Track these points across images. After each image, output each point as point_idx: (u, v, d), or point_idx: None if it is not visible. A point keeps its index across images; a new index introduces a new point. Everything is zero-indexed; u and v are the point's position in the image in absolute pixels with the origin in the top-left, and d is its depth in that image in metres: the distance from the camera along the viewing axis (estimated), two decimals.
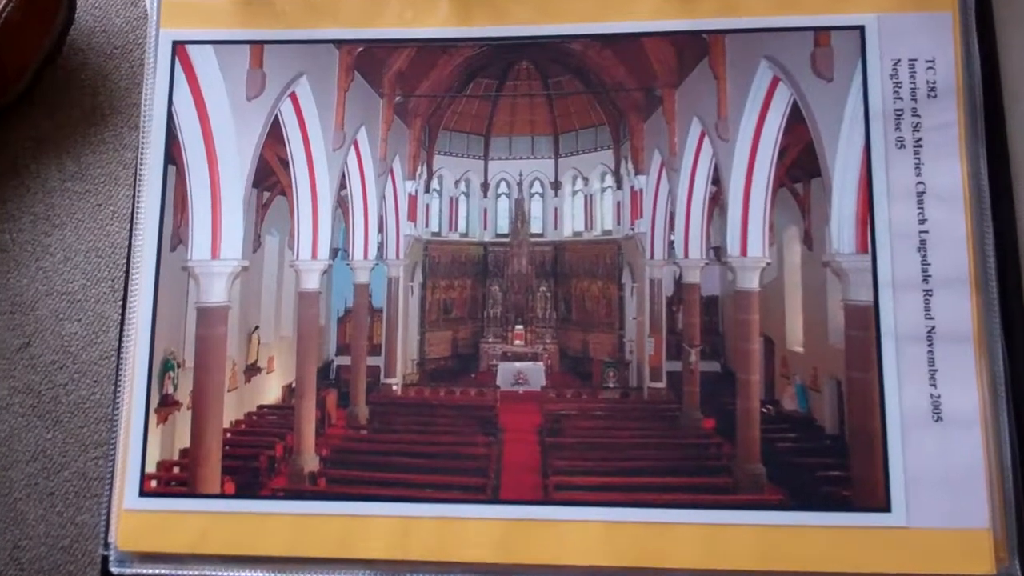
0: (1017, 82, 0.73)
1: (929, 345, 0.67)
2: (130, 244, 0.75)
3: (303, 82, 0.77)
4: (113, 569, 0.69)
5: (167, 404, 0.73)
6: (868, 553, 0.65)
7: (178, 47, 0.76)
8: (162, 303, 0.73)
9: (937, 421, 0.66)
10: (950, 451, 0.65)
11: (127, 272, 0.74)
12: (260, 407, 0.77)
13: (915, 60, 0.71)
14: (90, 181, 0.89)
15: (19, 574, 0.80)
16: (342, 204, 0.79)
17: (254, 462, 0.73)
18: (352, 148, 0.79)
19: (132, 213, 0.75)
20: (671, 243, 0.77)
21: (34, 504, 0.82)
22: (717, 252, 0.75)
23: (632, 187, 0.79)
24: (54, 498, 0.81)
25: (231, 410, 0.74)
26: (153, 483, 0.71)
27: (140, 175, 0.75)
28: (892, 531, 0.65)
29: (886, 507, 0.65)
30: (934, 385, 0.67)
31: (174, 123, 0.75)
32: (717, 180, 0.76)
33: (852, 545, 0.65)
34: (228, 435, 0.74)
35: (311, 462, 0.74)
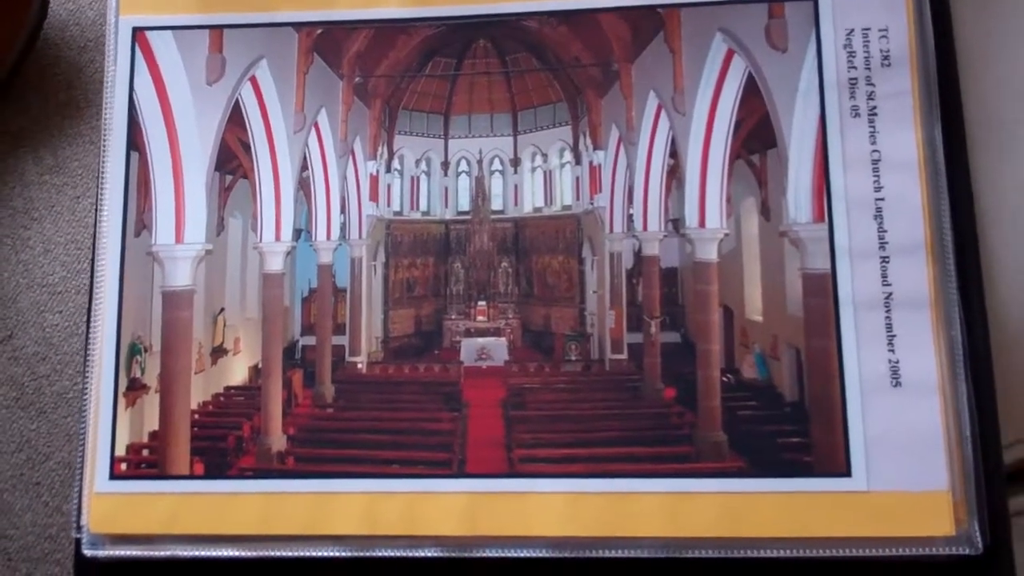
0: (970, 49, 0.74)
1: (887, 312, 0.68)
2: (95, 232, 0.75)
3: (263, 65, 0.77)
4: (86, 552, 0.70)
5: (135, 388, 0.73)
6: (830, 517, 0.66)
7: (138, 33, 0.77)
8: (128, 289, 0.74)
9: (896, 386, 0.67)
10: (909, 415, 0.66)
11: (92, 259, 0.75)
12: (227, 388, 0.78)
13: (868, 29, 0.71)
14: (68, 174, 0.89)
15: (7, 563, 0.81)
16: (304, 186, 0.79)
17: (222, 443, 0.74)
18: (313, 130, 0.79)
19: (96, 201, 0.75)
20: (630, 216, 0.77)
21: (20, 494, 0.83)
22: (675, 224, 0.75)
23: (591, 162, 0.80)
24: (40, 488, 0.82)
25: (199, 392, 0.75)
26: (123, 466, 0.72)
27: (103, 162, 0.75)
28: (853, 495, 0.66)
29: (847, 472, 0.66)
30: (892, 351, 0.67)
31: (136, 110, 0.76)
32: (674, 153, 0.76)
33: (814, 510, 0.66)
34: (196, 417, 0.74)
35: (279, 441, 0.75)
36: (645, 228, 0.77)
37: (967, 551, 0.65)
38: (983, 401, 0.67)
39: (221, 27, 0.77)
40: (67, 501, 0.82)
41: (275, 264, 0.78)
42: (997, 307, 0.71)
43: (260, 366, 0.77)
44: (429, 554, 0.68)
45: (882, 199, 0.69)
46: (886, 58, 0.71)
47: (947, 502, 0.65)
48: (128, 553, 0.70)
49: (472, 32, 0.77)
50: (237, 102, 0.77)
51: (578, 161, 0.81)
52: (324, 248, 0.80)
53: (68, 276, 0.87)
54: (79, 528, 0.70)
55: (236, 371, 0.77)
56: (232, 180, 0.78)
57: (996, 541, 0.65)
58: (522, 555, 0.67)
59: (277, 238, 0.78)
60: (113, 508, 0.70)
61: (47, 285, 0.87)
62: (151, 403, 0.73)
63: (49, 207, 0.89)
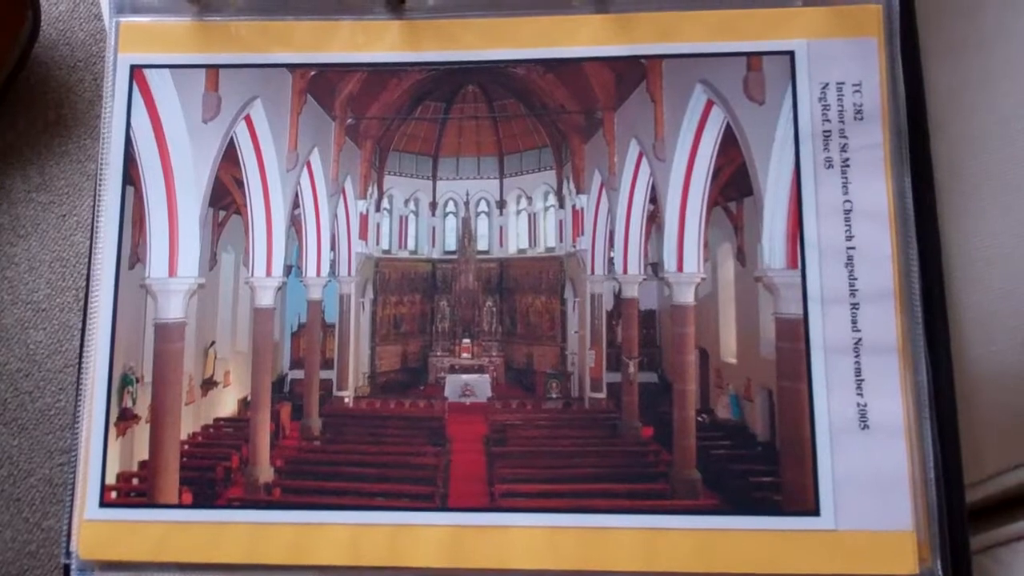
0: (941, 104, 0.76)
1: (856, 356, 0.70)
2: (89, 264, 0.76)
3: (257, 105, 0.79)
4: None
5: (126, 418, 0.74)
6: (799, 555, 0.68)
7: (136, 71, 0.78)
8: (121, 321, 0.75)
9: (864, 429, 0.69)
10: (876, 457, 0.68)
11: (86, 291, 0.76)
12: (216, 420, 0.78)
13: (843, 84, 0.74)
14: (54, 192, 0.90)
15: None
16: (295, 223, 0.80)
17: (211, 473, 0.74)
18: (305, 169, 0.81)
19: (91, 233, 0.76)
20: (611, 259, 0.79)
21: (0, 510, 0.83)
22: (654, 268, 0.77)
23: (574, 206, 0.81)
24: (20, 504, 0.83)
25: (188, 423, 0.76)
26: (113, 494, 0.73)
27: (99, 196, 0.76)
28: (821, 534, 0.68)
29: (815, 511, 0.68)
30: (861, 394, 0.70)
31: (132, 145, 0.77)
32: (654, 199, 0.78)
33: (784, 547, 0.68)
34: (185, 447, 0.75)
35: (266, 473, 0.76)
36: (625, 271, 0.79)
37: None
38: (947, 444, 0.69)
39: (217, 67, 0.78)
40: (48, 518, 0.82)
41: (266, 299, 0.79)
42: (962, 353, 0.73)
43: (249, 399, 0.78)
44: None
45: (853, 247, 0.71)
46: (859, 112, 0.73)
47: (911, 541, 0.67)
48: None
49: (461, 77, 0.79)
50: (232, 140, 0.78)
51: (561, 205, 0.81)
52: (314, 284, 0.81)
53: (53, 294, 0.88)
54: (68, 554, 0.71)
55: (226, 403, 0.78)
56: (225, 216, 0.79)
57: None
58: None
59: (268, 273, 0.79)
60: (102, 535, 0.72)
61: (32, 302, 0.88)
62: (142, 433, 0.74)
63: (35, 225, 0.90)
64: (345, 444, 0.77)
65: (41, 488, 0.83)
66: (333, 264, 0.81)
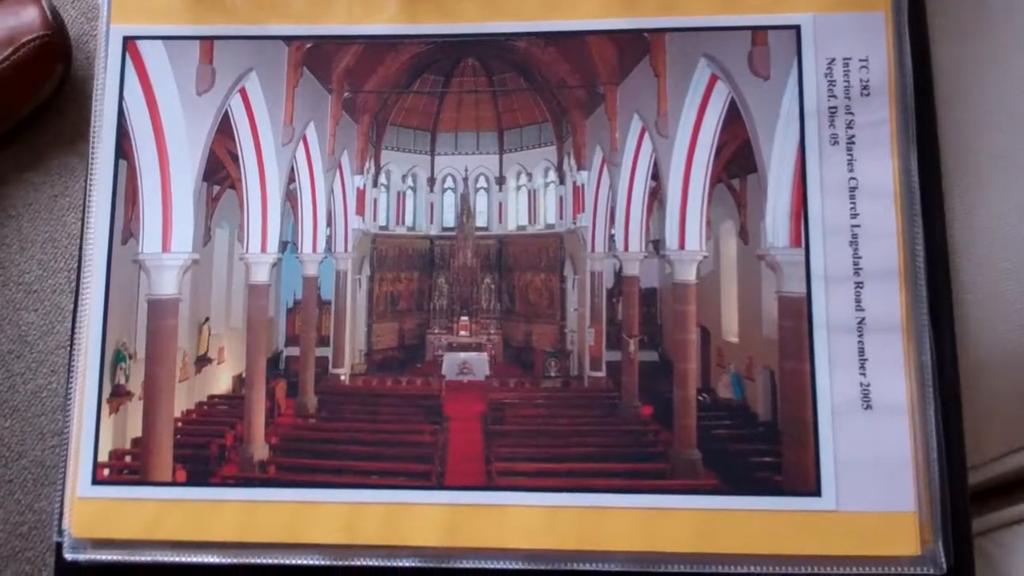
0: (948, 81, 0.75)
1: (859, 336, 0.69)
2: (82, 238, 0.75)
3: (252, 77, 0.78)
4: (67, 555, 0.70)
5: (119, 395, 0.74)
6: (799, 535, 0.67)
7: (129, 43, 0.77)
8: (114, 296, 0.74)
9: (866, 409, 0.68)
10: (878, 438, 0.68)
11: (79, 266, 0.75)
12: (211, 397, 0.78)
13: (849, 59, 0.73)
14: (46, 172, 0.89)
15: None
16: (291, 198, 0.79)
17: (205, 450, 0.74)
18: (301, 143, 0.80)
19: (84, 207, 0.76)
20: (611, 237, 0.78)
21: None
22: (656, 245, 0.76)
23: (574, 182, 0.80)
24: (12, 485, 0.82)
25: (182, 400, 0.75)
26: (106, 471, 0.72)
27: (91, 170, 0.75)
28: (822, 515, 0.67)
29: (816, 492, 0.68)
30: (864, 374, 0.69)
31: (125, 118, 0.76)
32: (656, 176, 0.77)
33: (784, 528, 0.67)
34: (179, 424, 0.74)
35: (261, 450, 0.75)
36: (626, 248, 0.78)
37: (931, 571, 0.66)
38: (950, 425, 0.69)
39: (212, 38, 0.77)
40: (40, 499, 0.82)
41: (261, 275, 0.79)
42: (966, 333, 0.72)
43: (244, 376, 0.77)
44: (407, 564, 0.69)
45: (858, 226, 0.71)
46: (865, 88, 0.72)
47: (913, 523, 0.66)
48: (110, 558, 0.70)
49: (460, 50, 0.78)
50: (226, 113, 0.77)
51: (562, 181, 0.81)
52: (310, 260, 0.81)
53: (44, 275, 0.87)
54: (61, 532, 0.71)
55: (220, 380, 0.78)
56: (219, 191, 0.78)
57: (960, 561, 0.67)
58: (499, 567, 0.68)
59: (263, 249, 0.78)
60: (95, 513, 0.71)
61: (23, 283, 0.87)
62: (135, 410, 0.74)
63: (27, 205, 0.89)
64: (341, 422, 0.76)
65: (33, 470, 0.82)
66: (329, 240, 0.81)
